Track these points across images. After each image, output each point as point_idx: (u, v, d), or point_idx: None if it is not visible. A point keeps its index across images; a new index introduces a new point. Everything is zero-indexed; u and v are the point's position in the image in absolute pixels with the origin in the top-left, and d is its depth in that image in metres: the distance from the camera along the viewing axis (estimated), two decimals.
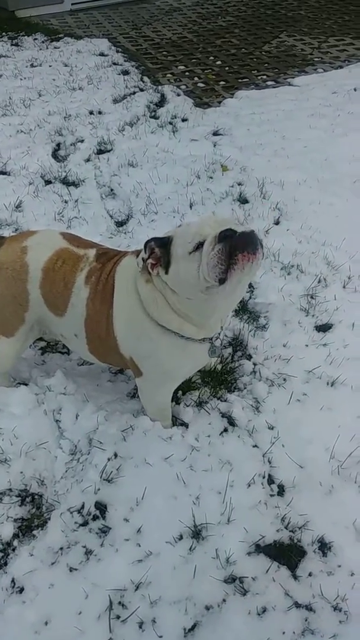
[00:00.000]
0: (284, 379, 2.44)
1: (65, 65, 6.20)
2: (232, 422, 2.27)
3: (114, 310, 2.00)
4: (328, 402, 2.33)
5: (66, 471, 2.16)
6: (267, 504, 1.99)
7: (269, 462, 2.13)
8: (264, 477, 2.08)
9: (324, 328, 2.69)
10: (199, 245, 1.71)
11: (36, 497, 2.06)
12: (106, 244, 3.30)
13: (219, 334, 1.99)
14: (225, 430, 2.24)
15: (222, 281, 1.66)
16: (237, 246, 1.64)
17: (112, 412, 2.35)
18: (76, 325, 2.12)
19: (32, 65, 6.25)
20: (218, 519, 1.94)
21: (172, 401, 2.27)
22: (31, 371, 2.56)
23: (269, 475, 2.09)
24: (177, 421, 2.30)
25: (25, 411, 2.31)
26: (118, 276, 2.02)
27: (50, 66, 6.21)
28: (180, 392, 2.39)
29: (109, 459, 2.14)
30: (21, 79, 5.83)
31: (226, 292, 1.72)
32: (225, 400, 2.37)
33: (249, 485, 2.04)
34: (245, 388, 2.43)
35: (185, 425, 2.28)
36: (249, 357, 2.56)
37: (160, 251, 1.81)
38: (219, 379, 2.47)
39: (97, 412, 2.34)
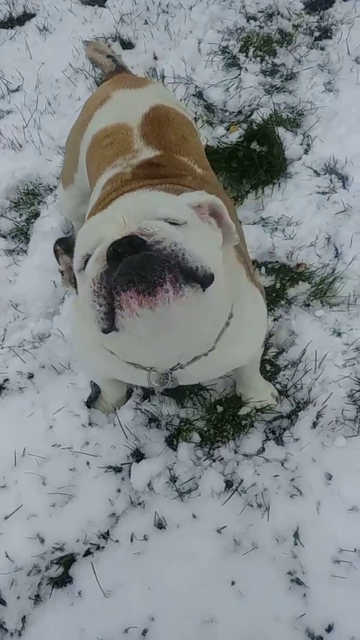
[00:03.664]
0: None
1: None
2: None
3: None
4: None
5: None
6: None
7: None
8: None
9: None
10: (88, 260, 1.02)
11: None
12: None
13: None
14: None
15: (106, 330, 0.97)
16: (118, 279, 0.92)
17: None
18: None
19: None
20: None
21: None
22: None
23: None
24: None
25: None
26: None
27: None
28: None
29: None
30: None
31: (129, 342, 1.03)
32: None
33: None
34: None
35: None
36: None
37: (69, 259, 1.14)
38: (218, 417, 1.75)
39: None
